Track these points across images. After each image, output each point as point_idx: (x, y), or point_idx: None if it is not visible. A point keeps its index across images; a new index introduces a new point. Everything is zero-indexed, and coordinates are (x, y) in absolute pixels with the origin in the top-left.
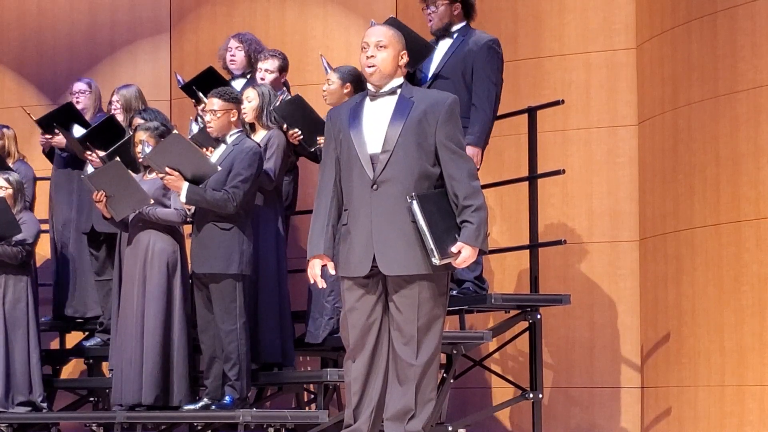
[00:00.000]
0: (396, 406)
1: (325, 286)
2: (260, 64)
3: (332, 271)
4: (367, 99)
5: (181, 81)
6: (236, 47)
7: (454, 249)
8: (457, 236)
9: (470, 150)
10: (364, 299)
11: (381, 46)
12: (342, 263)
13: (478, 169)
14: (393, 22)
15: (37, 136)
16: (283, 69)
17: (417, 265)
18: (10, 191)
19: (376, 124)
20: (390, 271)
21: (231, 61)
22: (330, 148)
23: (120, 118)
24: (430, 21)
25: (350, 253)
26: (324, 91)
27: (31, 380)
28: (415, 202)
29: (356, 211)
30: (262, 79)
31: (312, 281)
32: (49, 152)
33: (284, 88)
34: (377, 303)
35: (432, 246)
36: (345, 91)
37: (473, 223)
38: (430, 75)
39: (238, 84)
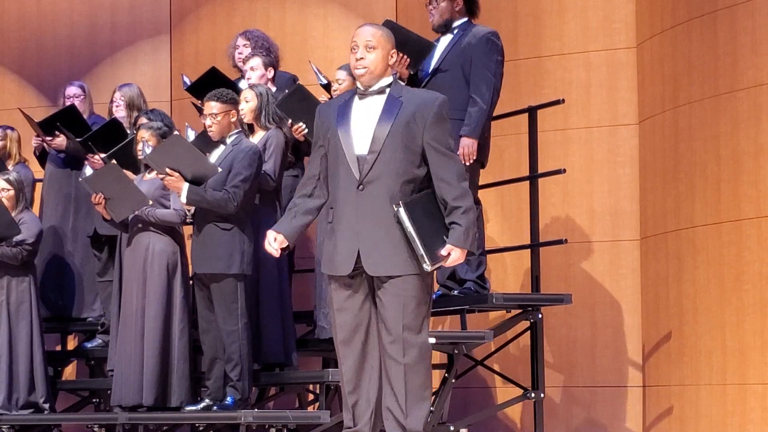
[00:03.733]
0: (389, 406)
1: (278, 254)
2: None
3: (275, 245)
4: (356, 97)
5: (187, 82)
6: (244, 44)
7: (443, 251)
8: (445, 237)
9: (465, 141)
10: (351, 299)
11: (370, 47)
12: (326, 261)
13: (473, 161)
14: (390, 24)
15: None
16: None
17: (403, 265)
18: (12, 192)
19: (363, 123)
20: (375, 272)
21: (239, 58)
22: (318, 144)
23: (122, 114)
24: (432, 17)
25: (335, 251)
26: (335, 90)
27: (34, 381)
28: (402, 209)
29: (341, 210)
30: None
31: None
32: (41, 155)
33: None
34: (365, 302)
35: (422, 252)
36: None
37: (462, 226)
38: (430, 70)
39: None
